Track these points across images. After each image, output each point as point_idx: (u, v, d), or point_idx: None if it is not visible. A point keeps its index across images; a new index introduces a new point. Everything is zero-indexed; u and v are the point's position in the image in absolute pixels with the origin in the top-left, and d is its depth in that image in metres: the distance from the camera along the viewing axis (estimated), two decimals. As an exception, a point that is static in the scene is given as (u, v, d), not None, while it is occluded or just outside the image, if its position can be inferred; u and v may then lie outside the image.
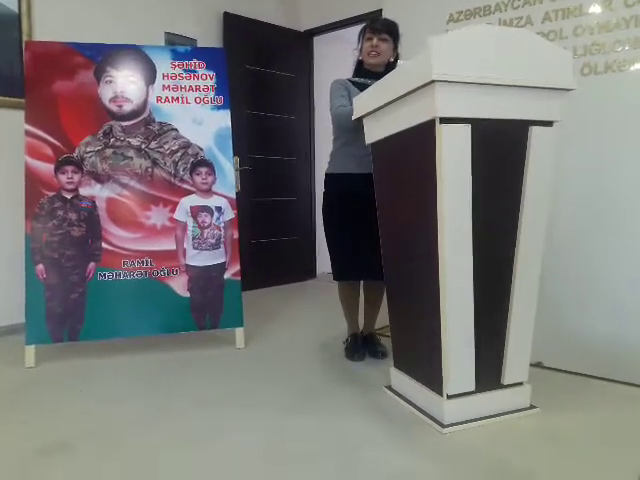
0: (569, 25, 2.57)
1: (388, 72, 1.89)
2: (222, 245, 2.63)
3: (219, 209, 2.63)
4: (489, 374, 1.77)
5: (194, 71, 2.64)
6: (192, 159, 2.61)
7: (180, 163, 2.60)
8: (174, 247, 2.58)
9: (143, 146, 2.57)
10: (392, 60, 2.35)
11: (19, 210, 2.51)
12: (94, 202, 2.50)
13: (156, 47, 2.73)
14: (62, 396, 2.06)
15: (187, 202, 2.60)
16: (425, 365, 1.82)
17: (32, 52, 2.49)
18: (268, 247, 4.34)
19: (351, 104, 2.16)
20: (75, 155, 2.50)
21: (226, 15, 3.97)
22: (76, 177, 2.49)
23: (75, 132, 2.50)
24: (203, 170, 2.62)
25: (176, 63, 2.62)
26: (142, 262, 2.54)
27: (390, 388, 2.05)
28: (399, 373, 2.01)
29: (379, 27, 2.28)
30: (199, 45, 3.77)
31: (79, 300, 2.46)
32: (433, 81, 1.49)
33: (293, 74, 4.45)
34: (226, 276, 2.63)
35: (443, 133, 1.54)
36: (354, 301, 2.53)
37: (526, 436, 1.68)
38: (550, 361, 2.27)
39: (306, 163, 4.64)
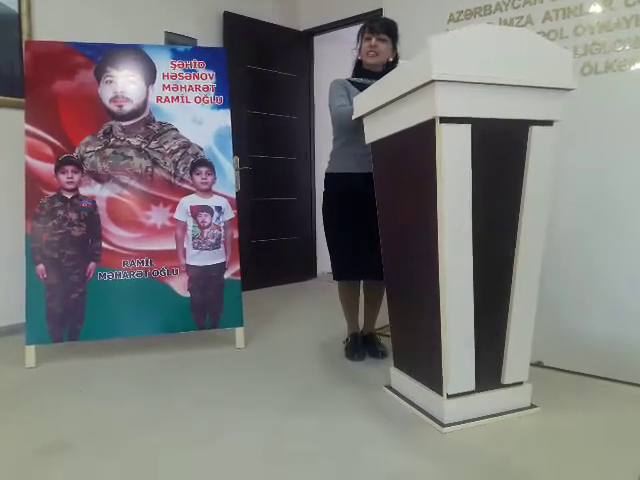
0: (570, 24, 2.57)
1: (387, 72, 1.88)
2: (222, 245, 2.63)
3: (219, 209, 2.63)
4: (489, 374, 1.77)
5: (194, 71, 2.64)
6: (192, 159, 2.61)
7: (180, 163, 2.60)
8: (174, 247, 2.58)
9: (143, 146, 2.57)
10: (391, 60, 2.35)
11: (19, 210, 2.51)
12: (94, 202, 2.50)
13: (156, 47, 2.73)
14: (62, 396, 2.06)
15: (187, 202, 2.60)
16: (425, 365, 1.82)
17: (32, 52, 2.49)
18: (268, 247, 4.34)
19: (350, 104, 2.16)
20: (75, 155, 2.50)
21: (226, 15, 3.97)
22: (76, 177, 2.49)
23: (75, 132, 2.50)
24: (203, 170, 2.62)
25: (176, 63, 2.62)
26: (142, 262, 2.54)
27: (390, 388, 2.05)
28: (399, 373, 2.00)
29: (377, 27, 2.28)
30: (199, 45, 3.77)
31: (79, 300, 2.46)
32: (433, 81, 1.49)
33: (293, 74, 4.45)
34: (226, 276, 2.63)
35: (443, 133, 1.54)
36: (354, 301, 2.53)
37: (526, 436, 1.68)
38: (550, 361, 2.27)
39: (306, 163, 4.64)
